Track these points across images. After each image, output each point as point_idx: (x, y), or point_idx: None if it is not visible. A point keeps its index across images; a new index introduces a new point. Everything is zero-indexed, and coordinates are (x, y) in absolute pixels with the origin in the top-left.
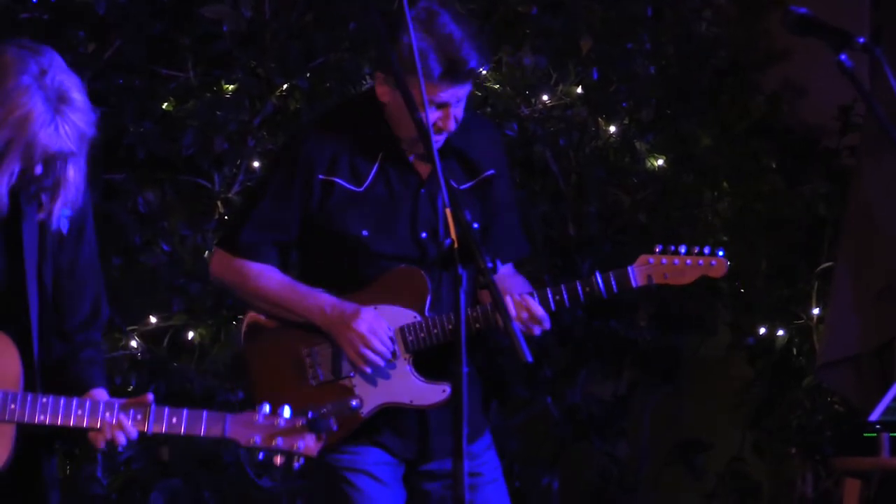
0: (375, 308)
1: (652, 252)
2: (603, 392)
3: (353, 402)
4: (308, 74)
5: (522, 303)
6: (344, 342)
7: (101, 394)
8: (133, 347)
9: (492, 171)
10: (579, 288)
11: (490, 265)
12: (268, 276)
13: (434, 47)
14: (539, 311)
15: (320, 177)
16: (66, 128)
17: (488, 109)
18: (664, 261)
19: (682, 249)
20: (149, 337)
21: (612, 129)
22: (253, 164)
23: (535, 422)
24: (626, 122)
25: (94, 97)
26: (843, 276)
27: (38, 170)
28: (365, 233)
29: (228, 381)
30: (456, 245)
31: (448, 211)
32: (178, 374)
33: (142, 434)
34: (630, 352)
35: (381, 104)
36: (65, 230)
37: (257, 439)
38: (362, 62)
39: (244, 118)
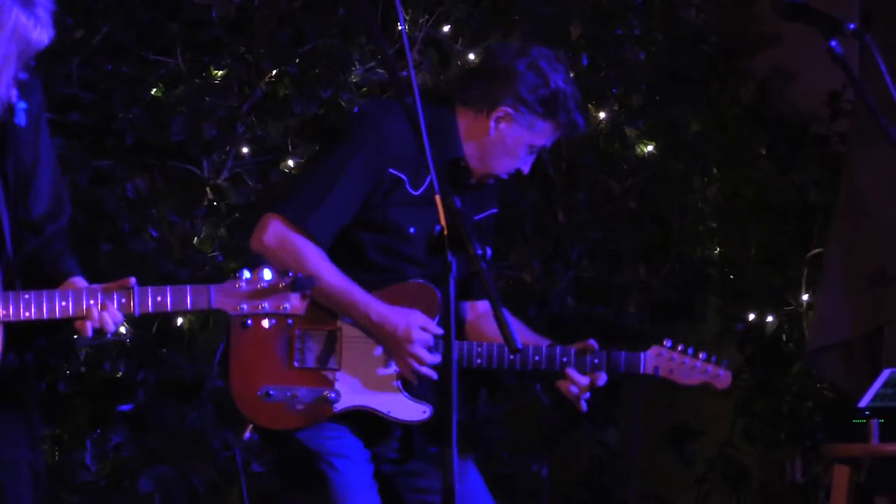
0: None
1: (663, 345)
2: None
3: (331, 394)
4: (297, 60)
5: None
6: (398, 355)
7: (80, 282)
8: (122, 334)
9: (495, 210)
10: (588, 360)
11: (480, 252)
12: (326, 266)
13: (567, 97)
14: (584, 381)
15: (391, 171)
16: (45, 18)
17: None
18: (675, 357)
19: (690, 351)
20: (138, 324)
21: (602, 115)
22: (242, 151)
23: (525, 410)
24: (615, 108)
25: (83, 83)
26: (834, 263)
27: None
28: (412, 230)
29: (217, 368)
30: (446, 232)
31: (437, 198)
32: (168, 361)
33: (129, 317)
34: (620, 339)
35: (458, 124)
36: (23, 124)
37: (244, 307)
38: (352, 49)
39: (233, 104)
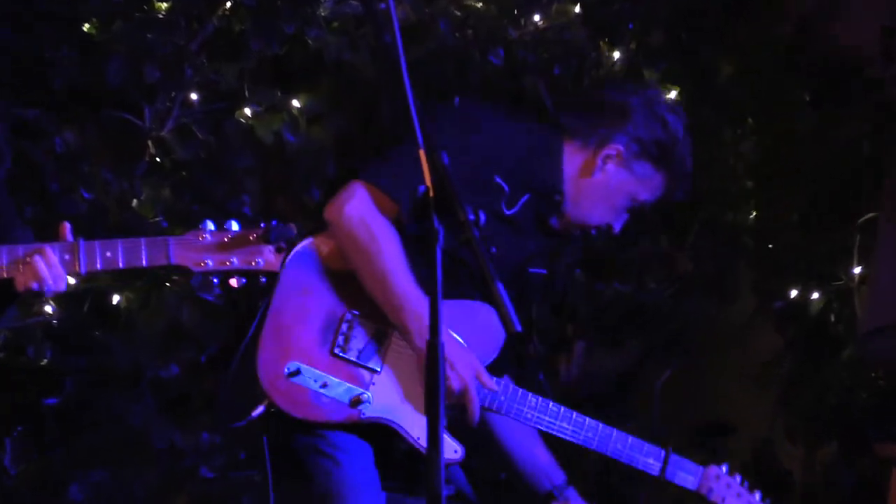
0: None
1: (721, 470)
2: (605, 368)
3: (363, 396)
4: None
5: None
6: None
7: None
8: (48, 313)
9: (544, 272)
10: (638, 463)
11: (472, 217)
12: (400, 267)
13: (684, 150)
14: None
15: (497, 179)
16: None
17: (469, 32)
18: (732, 484)
19: (746, 484)
20: (66, 301)
21: (617, 55)
22: (191, 97)
23: None
24: (632, 46)
25: (4, 19)
26: (891, 228)
27: None
28: (493, 249)
29: (160, 355)
30: (431, 193)
31: (421, 152)
32: (101, 346)
33: (75, 275)
34: (637, 320)
35: (564, 154)
36: None
37: (209, 262)
38: None
39: (180, 42)
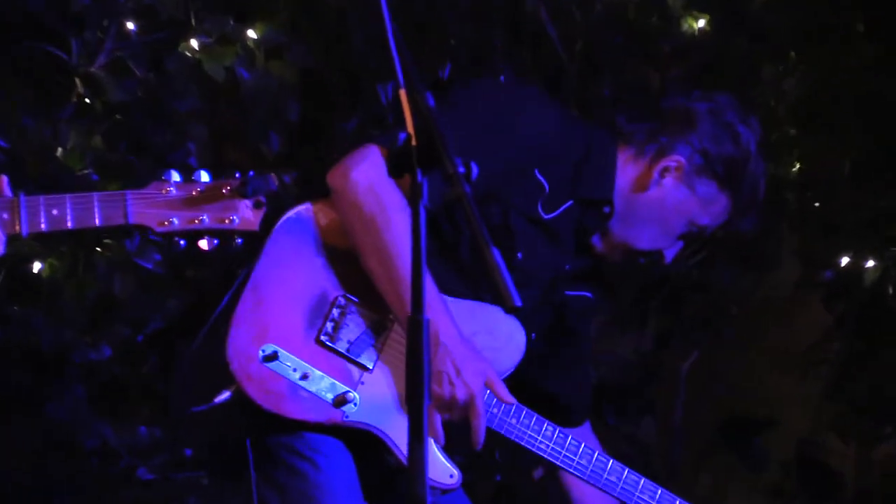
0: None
1: None
2: (621, 349)
3: (349, 396)
4: None
5: None
6: (437, 378)
7: None
8: None
9: (590, 295)
10: None
11: (463, 169)
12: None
13: (757, 168)
14: None
15: (537, 174)
16: None
17: None
18: None
19: None
20: None
21: None
22: (126, 27)
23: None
24: None
25: None
26: None
27: None
28: (520, 255)
29: (89, 332)
30: (414, 141)
31: (402, 93)
32: (19, 322)
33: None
34: (659, 293)
35: (618, 161)
36: None
37: (174, 220)
38: None
39: None
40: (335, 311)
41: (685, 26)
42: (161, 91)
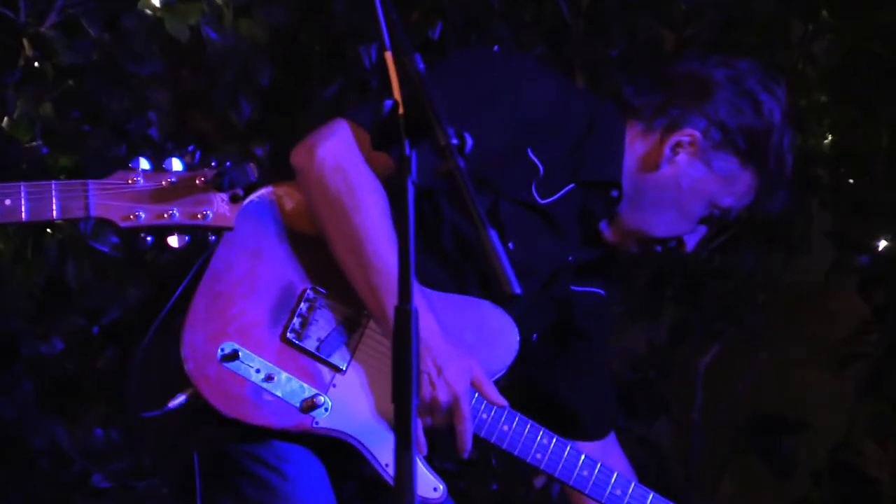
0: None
1: None
2: (633, 342)
3: (319, 401)
4: None
5: None
6: (434, 394)
7: None
8: None
9: (601, 293)
10: None
11: (456, 140)
12: (384, 233)
13: (783, 139)
14: None
15: (529, 152)
16: None
17: None
18: None
19: None
20: None
21: None
22: None
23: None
24: None
25: None
26: None
27: None
28: (511, 245)
29: (39, 322)
30: (401, 109)
31: (388, 55)
32: None
33: None
34: (675, 279)
35: (626, 138)
36: None
37: (142, 214)
38: None
39: None
40: (303, 306)
41: None
42: (118, 53)
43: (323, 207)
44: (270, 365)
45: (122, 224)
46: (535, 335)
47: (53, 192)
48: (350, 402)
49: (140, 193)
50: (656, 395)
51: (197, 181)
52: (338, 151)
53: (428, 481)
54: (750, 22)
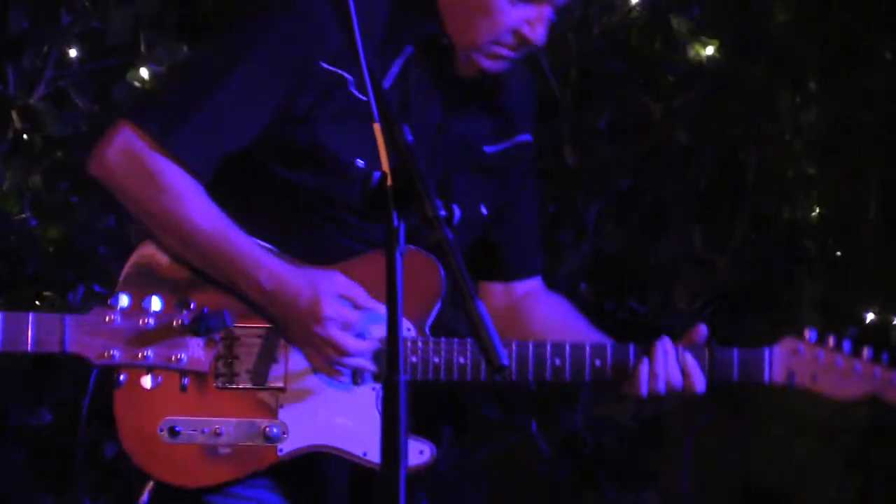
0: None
1: (801, 337)
2: (620, 413)
3: (271, 429)
4: None
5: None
6: (306, 342)
7: None
8: None
9: (527, 137)
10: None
11: (444, 213)
12: (197, 202)
13: None
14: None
15: (323, 64)
16: None
17: None
18: (821, 356)
19: (847, 346)
20: None
21: None
22: (68, 53)
23: (513, 458)
24: None
25: None
26: None
27: None
28: (360, 162)
29: (28, 392)
30: (390, 181)
31: (377, 126)
32: None
33: None
34: None
35: None
36: None
37: (115, 353)
38: None
39: None
40: (218, 350)
41: (692, 52)
42: (107, 125)
43: (135, 206)
44: (214, 420)
45: (97, 361)
46: (483, 208)
47: (30, 325)
48: (303, 414)
49: (116, 332)
50: (644, 465)
51: (174, 323)
52: (126, 151)
53: (414, 446)
54: (737, 92)
